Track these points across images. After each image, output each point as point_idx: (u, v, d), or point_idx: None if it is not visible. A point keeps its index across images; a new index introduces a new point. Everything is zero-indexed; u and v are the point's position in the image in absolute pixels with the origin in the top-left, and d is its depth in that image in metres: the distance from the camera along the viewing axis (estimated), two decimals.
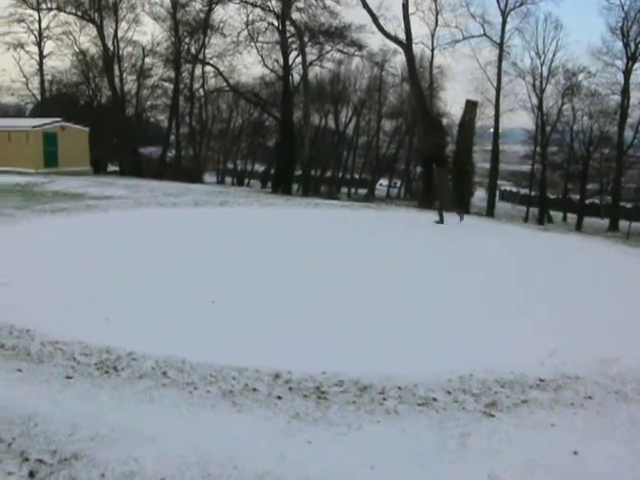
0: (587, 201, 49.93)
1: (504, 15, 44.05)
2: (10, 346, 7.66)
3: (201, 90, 51.93)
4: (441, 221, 19.73)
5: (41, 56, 52.51)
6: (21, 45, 51.49)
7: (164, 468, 4.73)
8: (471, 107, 35.55)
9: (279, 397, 6.31)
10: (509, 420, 5.94)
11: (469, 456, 5.21)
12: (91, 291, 10.51)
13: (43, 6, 49.97)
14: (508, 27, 44.69)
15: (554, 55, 47.36)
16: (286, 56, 45.71)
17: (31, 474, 4.52)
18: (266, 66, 48.39)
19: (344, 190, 61.83)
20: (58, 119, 38.81)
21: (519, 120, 50.88)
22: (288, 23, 44.65)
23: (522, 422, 5.90)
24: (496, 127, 45.28)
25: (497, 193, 50.89)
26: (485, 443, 5.44)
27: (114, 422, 5.47)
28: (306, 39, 45.10)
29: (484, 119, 46.82)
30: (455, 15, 52.00)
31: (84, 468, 4.65)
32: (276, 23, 45.67)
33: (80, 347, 7.65)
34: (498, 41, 44.39)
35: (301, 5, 45.15)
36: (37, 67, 52.91)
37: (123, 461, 4.79)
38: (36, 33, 51.39)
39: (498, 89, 44.68)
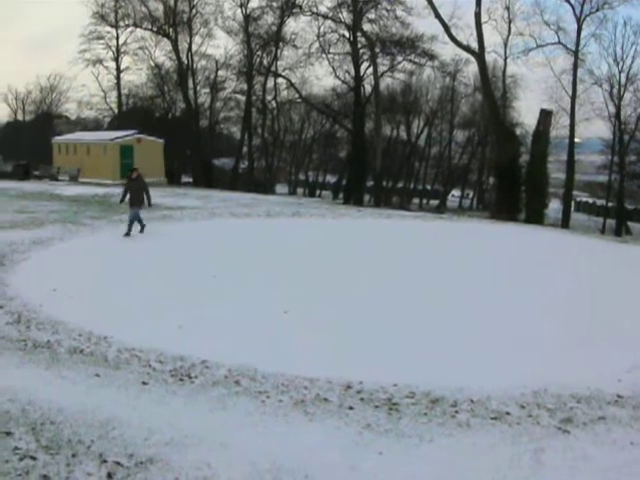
0: None
1: (579, 21, 42.86)
2: (89, 352, 7.90)
3: (273, 102, 52.38)
4: (128, 234, 17.28)
5: (118, 71, 54.11)
6: (100, 61, 53.25)
7: (236, 474, 4.79)
8: (545, 116, 34.89)
9: (350, 408, 6.31)
10: (585, 437, 5.79)
11: (544, 472, 5.10)
12: (165, 300, 10.74)
13: (121, 23, 51.59)
14: (584, 34, 43.35)
15: (633, 61, 45.60)
16: (357, 67, 45.71)
17: (109, 475, 4.64)
18: (337, 77, 48.50)
19: (415, 201, 61.34)
20: (134, 132, 39.81)
21: (595, 129, 49.42)
22: (359, 34, 44.69)
23: (599, 439, 5.74)
24: (571, 136, 44.08)
25: (572, 204, 49.62)
26: (560, 459, 5.31)
27: (188, 428, 5.57)
28: (377, 50, 45.01)
29: (559, 128, 45.64)
30: (528, 23, 50.73)
31: (159, 472, 4.75)
32: (347, 34, 45.79)
33: (155, 354, 7.84)
34: (573, 48, 43.20)
35: (372, 16, 45.19)
36: (114, 82, 54.56)
37: (197, 466, 4.87)
38: (114, 49, 53.06)
39: (573, 98, 43.51)
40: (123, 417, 5.70)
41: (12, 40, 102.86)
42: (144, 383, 6.77)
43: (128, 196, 17.77)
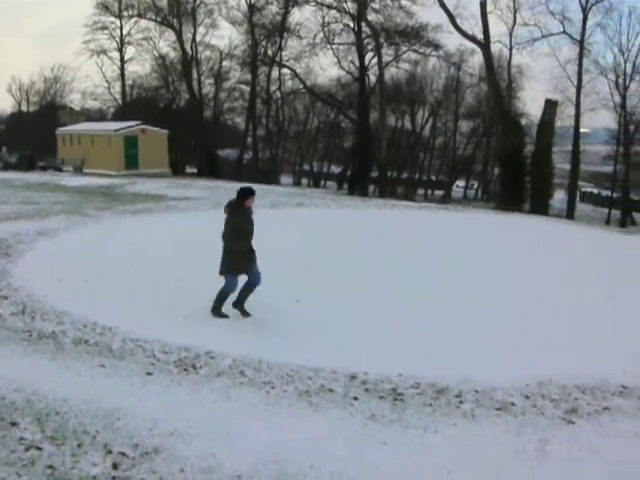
0: None
1: (585, 11, 42.55)
2: (94, 342, 7.90)
3: (278, 92, 52.42)
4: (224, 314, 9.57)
5: (122, 61, 54.18)
6: (104, 51, 53.38)
7: (241, 465, 4.79)
8: (551, 107, 34.80)
9: (355, 398, 6.31)
10: (590, 427, 5.77)
11: (549, 464, 5.07)
12: (170, 291, 10.74)
13: (125, 13, 51.70)
14: (589, 23, 43.03)
15: (639, 51, 45.44)
16: (362, 57, 45.72)
17: (114, 466, 4.64)
18: (342, 68, 48.60)
19: (420, 192, 61.22)
20: (138, 122, 39.83)
21: (601, 119, 49.09)
22: (364, 24, 44.68)
23: (604, 430, 5.71)
24: (576, 127, 43.88)
25: (577, 195, 49.44)
26: (565, 450, 5.30)
27: (192, 418, 5.58)
28: (382, 40, 44.99)
29: (564, 119, 45.34)
30: (534, 13, 50.58)
31: (164, 462, 4.75)
32: (352, 24, 45.83)
33: (160, 345, 7.84)
34: (578, 38, 42.98)
35: (377, 6, 45.16)
36: (119, 72, 54.71)
37: (201, 457, 4.87)
38: (118, 39, 53.15)
39: (579, 88, 43.28)
40: (128, 407, 5.71)
41: (19, 33, 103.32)
42: (149, 373, 6.77)
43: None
